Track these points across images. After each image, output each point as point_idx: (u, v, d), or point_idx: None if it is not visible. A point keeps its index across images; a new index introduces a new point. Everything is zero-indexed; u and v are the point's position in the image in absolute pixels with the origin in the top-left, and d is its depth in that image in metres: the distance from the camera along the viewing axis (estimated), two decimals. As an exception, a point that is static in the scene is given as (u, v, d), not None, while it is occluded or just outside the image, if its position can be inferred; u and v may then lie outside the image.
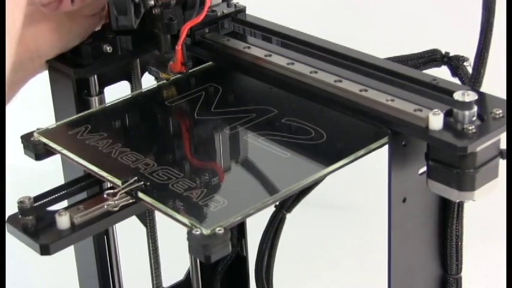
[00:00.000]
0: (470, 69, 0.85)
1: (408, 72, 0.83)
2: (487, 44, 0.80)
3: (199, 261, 1.10)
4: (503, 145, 0.77)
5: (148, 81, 0.98)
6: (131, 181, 0.77)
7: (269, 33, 0.92)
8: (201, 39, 0.94)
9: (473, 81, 0.82)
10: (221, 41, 0.93)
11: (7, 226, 0.77)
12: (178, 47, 0.88)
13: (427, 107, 0.77)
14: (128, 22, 0.88)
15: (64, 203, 0.82)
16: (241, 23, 0.95)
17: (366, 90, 0.81)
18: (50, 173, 1.01)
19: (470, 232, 0.90)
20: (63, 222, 0.76)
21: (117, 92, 0.96)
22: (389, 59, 0.87)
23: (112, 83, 0.97)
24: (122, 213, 0.77)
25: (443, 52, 0.87)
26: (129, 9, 0.87)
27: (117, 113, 0.91)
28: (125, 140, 0.85)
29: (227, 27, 0.95)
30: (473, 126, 0.74)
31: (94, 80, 0.94)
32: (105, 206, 0.77)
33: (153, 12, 0.89)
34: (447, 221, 0.84)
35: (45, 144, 0.85)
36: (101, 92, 0.95)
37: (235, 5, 0.96)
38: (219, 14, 0.95)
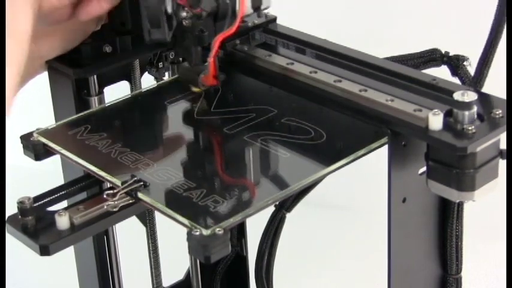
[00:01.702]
0: (470, 69, 0.85)
1: (408, 72, 0.83)
2: (494, 46, 0.80)
3: (199, 261, 1.10)
4: (503, 145, 0.77)
5: (148, 81, 0.98)
6: (131, 181, 0.77)
7: (301, 44, 0.89)
8: (232, 51, 0.91)
9: (475, 81, 0.82)
10: (252, 52, 0.91)
11: (7, 226, 0.77)
12: (211, 60, 0.86)
13: (426, 107, 0.77)
14: (161, 35, 0.85)
15: (64, 203, 0.82)
16: (272, 34, 0.92)
17: (365, 90, 0.81)
18: (50, 173, 1.01)
19: (470, 232, 0.90)
20: (63, 222, 0.76)
21: (117, 92, 0.96)
22: (389, 58, 0.87)
23: (112, 83, 0.97)
24: (122, 213, 0.77)
25: (443, 52, 0.87)
26: (163, 22, 0.84)
27: (117, 113, 0.91)
28: (125, 140, 0.85)
29: (258, 38, 0.92)
30: (473, 127, 0.74)
31: (94, 80, 0.94)
32: (105, 207, 0.77)
33: (183, 23, 0.86)
34: (447, 221, 0.84)
35: (44, 145, 0.85)
36: (100, 92, 0.95)
37: (266, 15, 0.93)
38: (249, 24, 0.92)
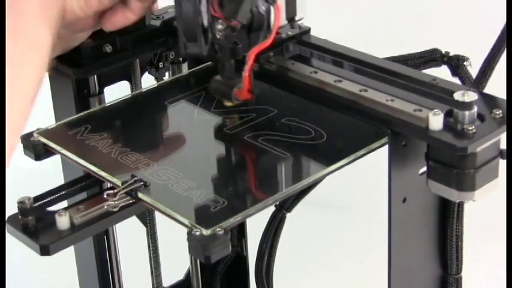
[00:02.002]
0: (470, 69, 0.85)
1: (408, 72, 0.82)
2: (501, 50, 0.79)
3: (199, 261, 1.10)
4: (503, 145, 0.77)
5: (148, 81, 0.98)
6: (131, 181, 0.77)
7: (338, 56, 0.86)
8: (266, 63, 0.88)
9: (477, 83, 0.82)
10: (285, 64, 0.88)
11: (7, 226, 0.77)
12: (246, 74, 0.82)
13: (427, 107, 0.77)
14: (198, 49, 0.81)
15: (64, 203, 0.82)
16: (306, 45, 0.88)
17: (365, 90, 0.81)
18: (50, 173, 1.01)
19: (470, 232, 0.89)
20: (63, 222, 0.76)
21: (117, 92, 0.96)
22: (389, 58, 0.87)
23: (112, 83, 0.97)
24: (122, 213, 0.77)
25: (443, 52, 0.87)
26: (199, 36, 0.80)
27: (117, 113, 0.91)
28: (125, 140, 0.85)
29: (292, 50, 0.89)
30: (473, 127, 0.74)
31: (94, 80, 0.94)
32: (105, 206, 0.77)
33: (217, 36, 0.82)
34: (447, 221, 0.84)
35: (44, 144, 0.85)
36: (100, 92, 0.95)
37: (299, 26, 0.89)
38: (283, 36, 0.89)
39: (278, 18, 0.81)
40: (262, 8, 0.81)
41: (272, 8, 0.81)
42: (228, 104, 0.86)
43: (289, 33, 0.89)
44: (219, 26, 0.81)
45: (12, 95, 0.73)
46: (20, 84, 0.75)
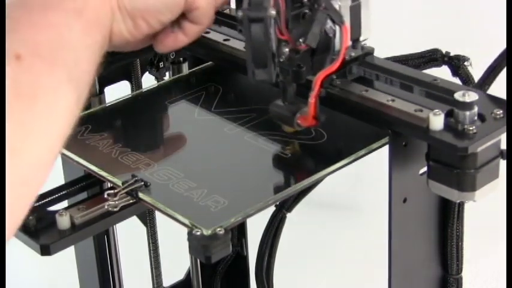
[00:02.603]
0: (471, 69, 0.85)
1: (409, 72, 0.82)
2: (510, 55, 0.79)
3: (200, 261, 1.10)
4: (503, 145, 0.77)
5: (148, 81, 0.98)
6: (131, 181, 0.77)
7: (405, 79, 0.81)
8: (329, 87, 0.81)
9: (480, 85, 0.82)
10: (348, 88, 0.82)
11: (7, 226, 0.77)
12: (312, 100, 0.77)
13: (427, 107, 0.77)
14: (268, 76, 0.75)
15: (64, 203, 0.82)
16: (369, 67, 0.83)
17: (366, 91, 0.81)
18: (50, 173, 1.01)
19: (470, 232, 0.90)
20: (64, 222, 0.76)
21: (117, 92, 0.96)
22: (389, 58, 0.87)
23: (112, 83, 0.97)
24: (122, 213, 0.77)
25: (444, 52, 0.87)
26: (270, 62, 0.74)
27: (118, 113, 0.91)
28: (125, 140, 0.85)
29: (355, 72, 0.82)
30: (473, 127, 0.74)
31: (94, 80, 0.94)
32: (106, 206, 0.77)
33: (280, 59, 0.77)
34: (447, 221, 0.84)
35: (45, 144, 0.85)
36: (101, 92, 0.95)
37: (362, 46, 0.83)
38: (346, 57, 0.82)
39: (346, 40, 0.76)
40: (330, 29, 0.76)
41: (339, 30, 0.77)
42: (289, 130, 0.81)
43: (353, 54, 0.82)
44: (286, 50, 0.76)
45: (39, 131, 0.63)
46: (50, 119, 0.64)
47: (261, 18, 0.72)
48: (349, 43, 0.79)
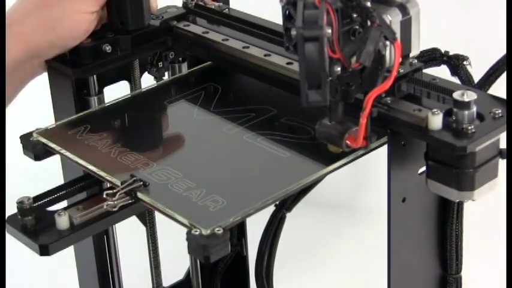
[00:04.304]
0: (470, 69, 0.85)
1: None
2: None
3: (199, 261, 1.10)
4: (502, 145, 0.77)
5: (147, 81, 0.98)
6: (130, 181, 0.77)
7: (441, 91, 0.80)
8: (378, 105, 0.78)
9: (480, 86, 0.81)
10: (398, 106, 0.79)
11: (7, 226, 0.77)
12: (363, 121, 0.73)
13: (426, 106, 0.77)
14: (322, 97, 0.70)
15: (63, 203, 0.82)
16: (417, 84, 0.80)
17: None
18: (50, 173, 1.01)
19: (470, 232, 0.89)
20: (63, 222, 0.76)
21: (117, 92, 0.96)
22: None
23: (111, 83, 0.97)
24: (122, 213, 0.77)
25: (443, 51, 0.87)
26: (324, 83, 0.70)
27: (117, 113, 0.91)
28: (124, 140, 0.85)
29: (404, 90, 0.80)
30: (472, 126, 0.74)
31: (93, 80, 0.94)
32: (105, 206, 0.77)
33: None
34: (447, 221, 0.84)
35: (44, 144, 0.85)
36: (100, 92, 0.95)
37: (410, 63, 0.81)
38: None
39: (398, 57, 0.73)
40: (382, 46, 0.73)
41: (391, 46, 0.73)
42: (334, 149, 0.77)
43: (401, 70, 0.80)
44: (338, 69, 0.72)
45: None
46: None
47: (316, 37, 0.69)
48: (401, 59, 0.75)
